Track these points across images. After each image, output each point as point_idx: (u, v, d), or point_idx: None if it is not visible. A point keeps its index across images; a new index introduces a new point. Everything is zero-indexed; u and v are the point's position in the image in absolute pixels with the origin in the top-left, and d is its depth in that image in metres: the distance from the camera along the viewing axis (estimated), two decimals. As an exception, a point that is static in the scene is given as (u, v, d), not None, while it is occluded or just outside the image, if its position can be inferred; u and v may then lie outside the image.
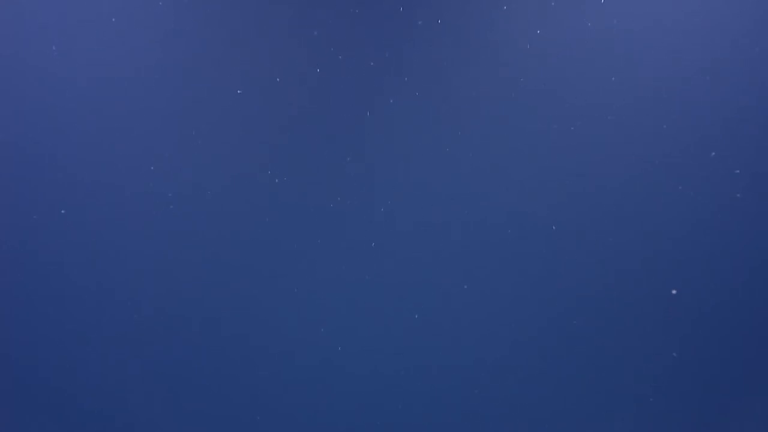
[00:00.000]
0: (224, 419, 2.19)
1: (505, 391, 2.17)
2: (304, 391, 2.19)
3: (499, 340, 2.16)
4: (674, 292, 2.09)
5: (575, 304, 2.14)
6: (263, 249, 2.18)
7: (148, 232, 2.16)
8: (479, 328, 2.16)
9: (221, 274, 2.18)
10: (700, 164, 2.09)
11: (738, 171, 2.09)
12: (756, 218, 2.09)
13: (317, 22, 2.16)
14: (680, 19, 2.08)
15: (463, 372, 2.17)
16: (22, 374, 2.17)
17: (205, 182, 2.16)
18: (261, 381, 2.19)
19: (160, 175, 2.15)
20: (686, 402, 2.14)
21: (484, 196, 2.15)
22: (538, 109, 2.13)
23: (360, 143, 2.17)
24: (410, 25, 2.15)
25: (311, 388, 2.18)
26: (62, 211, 2.14)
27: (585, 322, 2.14)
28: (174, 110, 2.15)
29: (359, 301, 2.18)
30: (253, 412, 2.19)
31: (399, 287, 2.17)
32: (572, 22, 2.11)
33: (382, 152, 2.17)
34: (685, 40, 2.08)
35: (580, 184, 2.12)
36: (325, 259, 2.18)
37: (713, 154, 2.09)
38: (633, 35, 2.09)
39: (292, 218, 2.18)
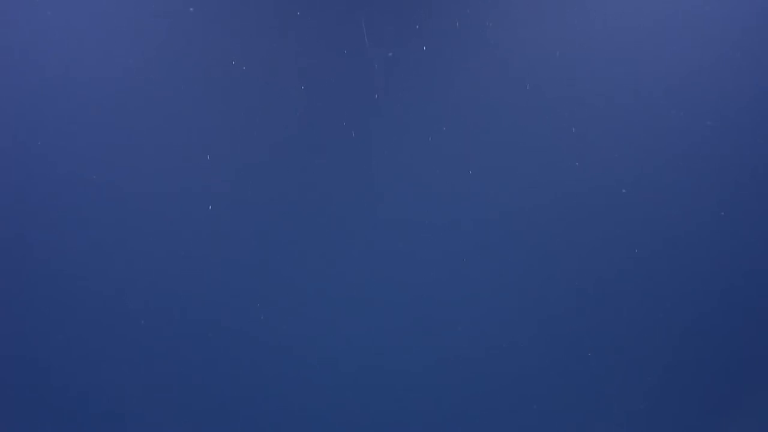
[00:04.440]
0: (227, 420, 2.19)
1: (506, 390, 2.17)
2: (307, 393, 2.19)
3: (500, 339, 2.16)
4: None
5: (576, 304, 2.14)
6: (265, 250, 2.18)
7: (148, 232, 2.16)
8: (479, 327, 2.16)
9: (223, 275, 2.17)
10: (700, 165, 2.09)
11: (738, 170, 2.09)
12: (756, 219, 2.09)
13: (318, 18, 2.16)
14: (681, 18, 2.08)
15: (463, 372, 2.17)
16: (22, 376, 2.17)
17: (207, 183, 2.16)
18: (265, 383, 2.19)
19: (160, 175, 2.15)
20: (684, 406, 2.14)
21: (485, 196, 2.15)
22: (536, 108, 2.13)
23: (359, 143, 2.17)
24: (410, 25, 2.14)
25: (315, 389, 2.18)
26: (66, 212, 2.14)
27: (586, 322, 2.14)
28: (173, 110, 2.14)
29: (359, 301, 2.18)
30: (257, 413, 2.19)
31: (399, 287, 2.17)
32: (573, 21, 2.10)
33: (382, 151, 2.17)
34: (686, 40, 2.08)
35: (580, 185, 2.12)
36: (325, 258, 2.18)
37: (713, 153, 2.09)
38: (634, 35, 2.09)
39: (294, 219, 2.17)
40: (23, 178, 2.14)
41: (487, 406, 2.18)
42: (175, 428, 2.18)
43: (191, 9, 2.09)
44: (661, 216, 2.10)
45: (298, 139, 2.16)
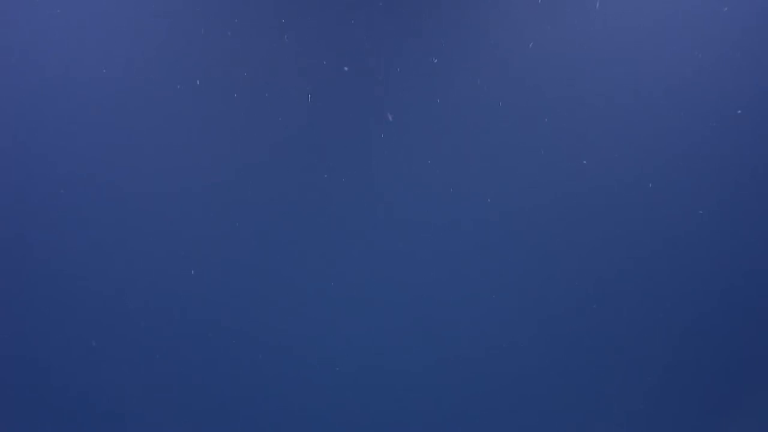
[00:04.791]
0: (227, 420, 2.19)
1: (506, 390, 2.17)
2: (307, 393, 2.19)
3: (500, 339, 2.16)
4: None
5: (576, 304, 2.14)
6: (265, 250, 2.18)
7: (148, 232, 2.16)
8: (479, 327, 2.16)
9: (223, 275, 2.17)
10: (700, 165, 2.09)
11: (737, 170, 2.09)
12: (756, 220, 2.09)
13: (318, 19, 2.16)
14: (681, 18, 2.08)
15: (463, 372, 2.17)
16: (22, 376, 2.17)
17: (207, 183, 2.16)
18: (265, 383, 2.19)
19: (160, 175, 2.15)
20: (684, 406, 2.14)
21: (485, 196, 2.15)
22: (536, 108, 2.13)
23: (359, 143, 2.17)
24: (410, 25, 2.15)
25: (315, 389, 2.19)
26: (66, 212, 2.14)
27: (586, 322, 2.14)
28: (173, 110, 2.15)
29: (359, 301, 2.18)
30: (257, 413, 2.19)
31: (399, 287, 2.17)
32: (573, 21, 2.10)
33: (382, 151, 2.17)
34: (686, 40, 2.08)
35: (580, 185, 2.12)
36: (325, 258, 2.18)
37: (714, 153, 2.09)
38: (634, 35, 2.09)
39: (294, 219, 2.18)
40: (23, 178, 2.14)
41: (487, 406, 2.18)
42: (175, 428, 2.19)
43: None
44: (661, 216, 2.10)
45: (298, 139, 2.16)
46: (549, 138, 2.12)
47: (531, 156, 2.13)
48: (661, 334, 2.13)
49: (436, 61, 2.13)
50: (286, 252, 2.18)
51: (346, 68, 2.14)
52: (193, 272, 2.16)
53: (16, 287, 2.15)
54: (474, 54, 2.13)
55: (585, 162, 2.09)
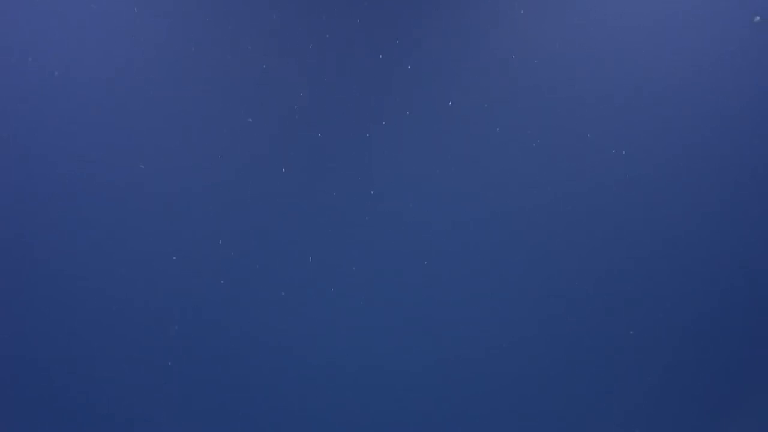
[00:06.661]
0: (227, 420, 2.19)
1: (506, 390, 2.17)
2: (307, 393, 2.19)
3: (500, 339, 2.16)
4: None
5: (576, 304, 2.14)
6: (265, 250, 2.18)
7: (148, 232, 2.16)
8: (479, 327, 2.16)
9: (223, 275, 2.17)
10: (700, 165, 2.09)
11: (737, 170, 2.09)
12: (755, 219, 2.09)
13: (318, 19, 2.16)
14: (681, 18, 2.08)
15: (463, 372, 2.17)
16: (22, 376, 2.17)
17: (206, 183, 2.16)
18: (265, 383, 2.19)
19: (160, 175, 2.15)
20: (684, 406, 2.14)
21: (485, 196, 2.15)
22: (536, 108, 2.13)
23: (360, 143, 2.17)
24: (411, 25, 2.15)
25: (315, 389, 2.19)
26: (66, 212, 2.14)
27: (586, 322, 2.14)
28: (173, 110, 2.15)
29: (359, 301, 2.18)
30: (258, 413, 2.19)
31: (399, 287, 2.17)
32: (573, 21, 2.10)
33: (383, 152, 2.17)
34: (686, 40, 2.08)
35: (580, 185, 2.12)
36: (325, 258, 2.18)
37: (712, 154, 2.09)
38: (634, 35, 2.09)
39: (294, 219, 2.18)
40: (23, 178, 2.14)
41: (487, 406, 2.18)
42: (176, 428, 2.19)
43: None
44: (661, 216, 2.10)
45: (298, 139, 2.17)
46: (549, 138, 2.12)
47: (531, 156, 2.13)
48: (661, 334, 2.13)
49: (436, 62, 2.14)
50: (286, 252, 2.18)
51: (346, 70, 2.14)
52: (191, 271, 2.16)
53: (16, 287, 2.15)
54: (474, 54, 2.13)
55: (586, 161, 2.09)
